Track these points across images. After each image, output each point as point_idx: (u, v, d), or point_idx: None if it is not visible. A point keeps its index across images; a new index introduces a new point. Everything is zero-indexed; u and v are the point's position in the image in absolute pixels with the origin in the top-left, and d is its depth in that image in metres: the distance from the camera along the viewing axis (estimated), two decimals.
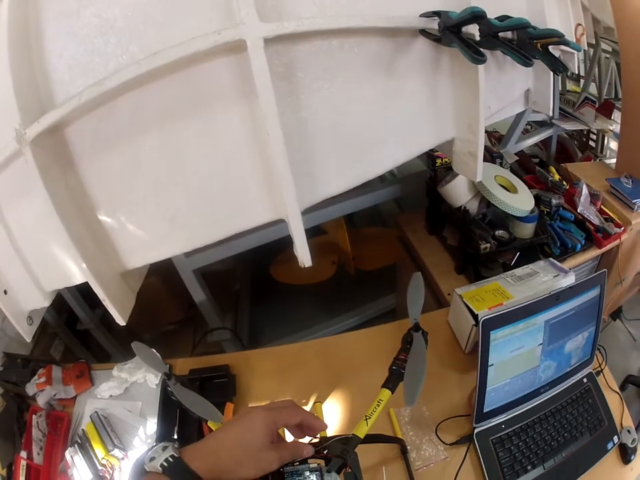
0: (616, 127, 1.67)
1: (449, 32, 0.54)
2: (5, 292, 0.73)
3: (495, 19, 0.63)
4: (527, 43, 0.63)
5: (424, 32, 0.58)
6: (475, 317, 0.81)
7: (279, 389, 0.87)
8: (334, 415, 0.83)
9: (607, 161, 1.67)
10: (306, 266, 0.54)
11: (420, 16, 0.57)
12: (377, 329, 0.98)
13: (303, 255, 0.53)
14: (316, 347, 0.95)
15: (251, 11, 0.47)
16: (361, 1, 0.55)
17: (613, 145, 1.80)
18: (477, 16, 0.51)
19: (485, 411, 0.76)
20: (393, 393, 0.58)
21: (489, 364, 0.73)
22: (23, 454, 0.80)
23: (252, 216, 0.57)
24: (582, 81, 1.94)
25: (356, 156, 0.59)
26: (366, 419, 0.54)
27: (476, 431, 0.76)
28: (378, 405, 0.56)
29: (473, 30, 0.59)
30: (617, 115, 1.66)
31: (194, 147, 0.54)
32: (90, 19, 0.52)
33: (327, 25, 0.50)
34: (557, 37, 0.63)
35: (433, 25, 0.57)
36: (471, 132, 0.66)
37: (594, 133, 1.82)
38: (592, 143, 1.85)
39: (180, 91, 0.53)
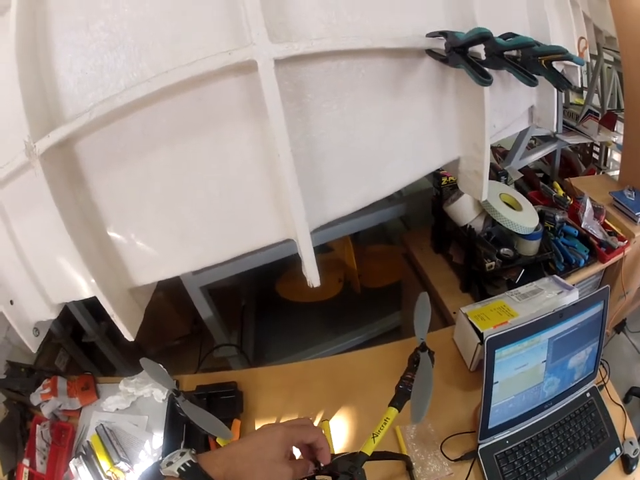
0: (618, 139, 1.67)
1: (455, 52, 0.55)
2: (11, 302, 0.73)
3: (500, 37, 0.63)
4: (532, 60, 0.63)
5: (430, 52, 0.59)
6: (480, 335, 0.82)
7: (286, 406, 0.87)
8: (340, 432, 0.83)
9: (610, 173, 1.68)
10: (314, 286, 0.54)
11: (426, 36, 0.58)
12: (382, 348, 0.98)
13: (312, 275, 0.53)
14: (323, 365, 0.96)
15: (261, 31, 0.47)
16: (367, 20, 0.56)
17: (616, 156, 1.81)
18: (483, 37, 0.52)
19: (489, 427, 0.77)
20: (399, 412, 0.59)
21: (494, 382, 0.73)
22: (26, 462, 0.80)
23: (261, 235, 0.57)
24: (584, 92, 1.94)
25: (364, 176, 0.59)
26: (373, 437, 0.56)
27: (480, 447, 0.76)
28: (385, 423, 0.57)
29: (479, 49, 0.59)
30: (619, 126, 1.66)
31: (204, 165, 0.54)
32: (99, 33, 0.52)
33: (336, 46, 0.50)
34: (561, 54, 0.64)
35: (440, 45, 0.57)
36: (477, 151, 0.67)
37: (597, 145, 1.82)
38: (595, 156, 1.85)
39: (189, 109, 0.53)
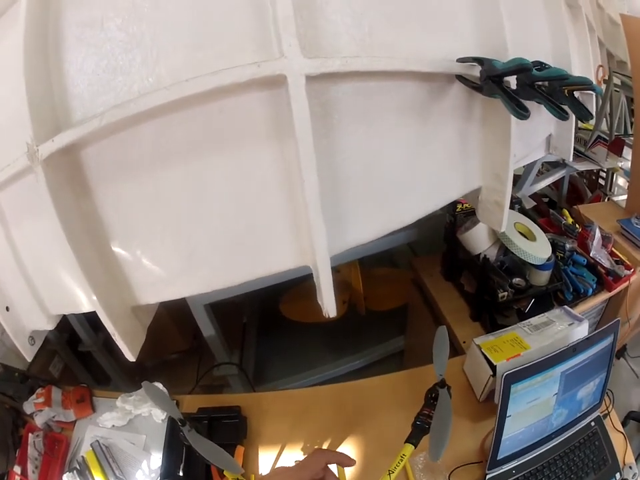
0: (625, 164, 1.67)
1: (491, 82, 0.52)
2: (7, 309, 0.69)
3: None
4: (557, 91, 0.61)
5: (462, 78, 0.57)
6: (493, 367, 0.80)
7: (291, 434, 0.84)
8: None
9: (615, 198, 1.67)
10: (330, 317, 0.51)
11: (457, 61, 0.56)
12: (390, 377, 0.96)
13: (329, 305, 0.50)
14: (329, 392, 0.93)
15: (293, 42, 0.44)
16: (399, 42, 0.53)
17: (621, 181, 1.81)
18: (524, 68, 0.50)
19: (498, 458, 0.76)
20: (415, 448, 0.58)
21: (507, 415, 0.73)
22: (17, 469, 0.78)
23: (276, 261, 0.54)
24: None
25: (386, 203, 0.56)
26: (389, 473, 0.55)
27: (487, 476, 0.76)
28: (401, 460, 0.56)
29: (509, 78, 0.57)
30: (626, 152, 1.66)
31: (219, 184, 0.51)
32: (115, 33, 0.49)
33: (371, 66, 0.48)
34: (587, 85, 0.62)
35: (473, 71, 0.55)
36: (499, 181, 0.64)
37: (604, 171, 1.81)
38: (601, 181, 1.85)
39: (208, 123, 0.50)
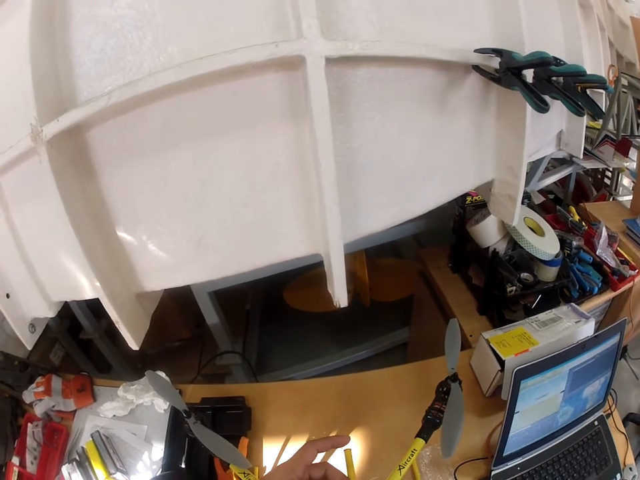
0: (630, 164, 1.66)
1: (511, 74, 0.51)
2: (7, 295, 0.68)
3: None
4: (572, 87, 0.60)
5: (479, 69, 0.55)
6: (502, 362, 0.79)
7: (296, 426, 0.83)
8: (354, 455, 0.78)
9: (620, 198, 1.67)
10: (341, 307, 0.50)
11: (475, 51, 0.54)
12: (396, 370, 0.95)
13: (341, 294, 0.49)
14: (336, 383, 0.92)
15: (313, 23, 0.43)
16: (417, 29, 0.52)
17: (626, 181, 1.81)
18: (546, 62, 0.48)
19: (504, 454, 0.76)
20: (426, 442, 0.57)
21: (516, 411, 0.73)
22: (15, 460, 0.77)
23: (286, 248, 0.52)
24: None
25: (400, 193, 0.55)
26: (399, 468, 0.54)
27: (492, 473, 0.76)
28: (412, 455, 0.55)
29: (526, 72, 0.56)
30: (632, 153, 1.65)
31: (231, 168, 0.50)
32: (125, 10, 0.47)
33: (391, 51, 0.46)
34: (601, 83, 0.61)
35: (491, 62, 0.54)
36: (512, 174, 0.63)
37: (609, 171, 1.81)
38: (607, 181, 1.84)
39: (221, 104, 0.49)
